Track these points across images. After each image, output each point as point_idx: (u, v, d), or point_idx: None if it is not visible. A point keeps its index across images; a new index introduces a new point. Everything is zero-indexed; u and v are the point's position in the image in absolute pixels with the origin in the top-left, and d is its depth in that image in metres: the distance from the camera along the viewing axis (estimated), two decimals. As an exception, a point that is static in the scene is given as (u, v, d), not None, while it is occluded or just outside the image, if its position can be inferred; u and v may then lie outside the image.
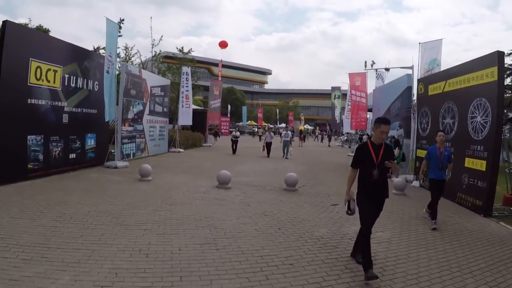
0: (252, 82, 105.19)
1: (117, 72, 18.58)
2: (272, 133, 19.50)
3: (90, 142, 11.69)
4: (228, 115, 47.66)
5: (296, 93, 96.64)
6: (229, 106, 49.68)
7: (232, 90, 64.61)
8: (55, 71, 9.59)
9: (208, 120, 25.37)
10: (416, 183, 11.28)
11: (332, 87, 36.34)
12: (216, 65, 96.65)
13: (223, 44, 35.70)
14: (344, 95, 43.28)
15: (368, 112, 19.20)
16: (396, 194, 9.39)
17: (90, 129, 11.64)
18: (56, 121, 9.85)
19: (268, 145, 18.78)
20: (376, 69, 22.26)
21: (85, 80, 11.19)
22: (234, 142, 19.87)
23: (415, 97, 12.70)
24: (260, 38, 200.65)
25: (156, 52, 24.23)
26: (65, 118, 10.24)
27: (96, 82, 11.73)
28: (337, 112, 36.81)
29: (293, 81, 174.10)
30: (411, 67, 22.38)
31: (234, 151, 19.63)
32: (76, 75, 10.69)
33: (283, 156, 18.20)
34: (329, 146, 33.88)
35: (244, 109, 54.45)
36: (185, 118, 19.61)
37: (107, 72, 11.63)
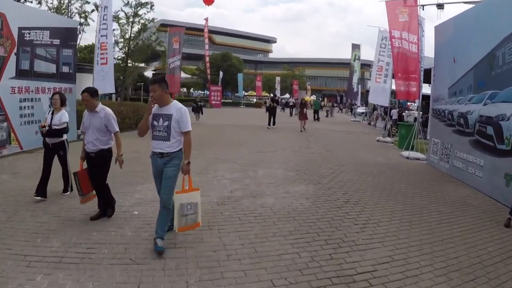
0: (255, 51, 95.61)
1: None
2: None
3: None
4: (219, 83, 39.29)
5: (303, 61, 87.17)
6: (220, 73, 41.05)
7: (228, 55, 54.86)
8: None
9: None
10: None
11: (352, 44, 27.64)
12: (217, 32, 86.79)
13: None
14: (363, 65, 34.73)
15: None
16: None
17: None
18: None
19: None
20: (423, 6, 13.56)
21: None
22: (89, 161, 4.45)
23: None
24: (266, 9, 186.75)
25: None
26: None
27: None
28: (355, 78, 28.24)
29: (300, 52, 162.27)
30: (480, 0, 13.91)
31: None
32: None
33: None
34: (316, 120, 23.87)
35: (240, 76, 44.99)
36: (102, 82, 11.39)
37: None
